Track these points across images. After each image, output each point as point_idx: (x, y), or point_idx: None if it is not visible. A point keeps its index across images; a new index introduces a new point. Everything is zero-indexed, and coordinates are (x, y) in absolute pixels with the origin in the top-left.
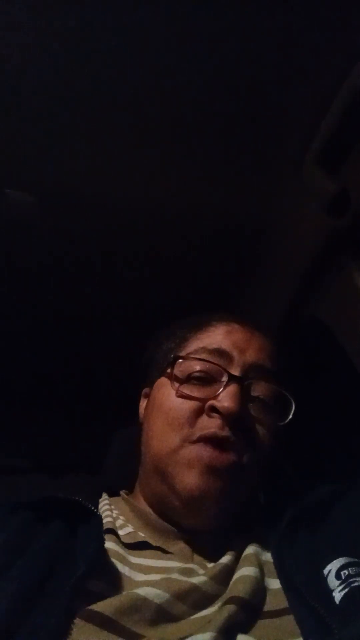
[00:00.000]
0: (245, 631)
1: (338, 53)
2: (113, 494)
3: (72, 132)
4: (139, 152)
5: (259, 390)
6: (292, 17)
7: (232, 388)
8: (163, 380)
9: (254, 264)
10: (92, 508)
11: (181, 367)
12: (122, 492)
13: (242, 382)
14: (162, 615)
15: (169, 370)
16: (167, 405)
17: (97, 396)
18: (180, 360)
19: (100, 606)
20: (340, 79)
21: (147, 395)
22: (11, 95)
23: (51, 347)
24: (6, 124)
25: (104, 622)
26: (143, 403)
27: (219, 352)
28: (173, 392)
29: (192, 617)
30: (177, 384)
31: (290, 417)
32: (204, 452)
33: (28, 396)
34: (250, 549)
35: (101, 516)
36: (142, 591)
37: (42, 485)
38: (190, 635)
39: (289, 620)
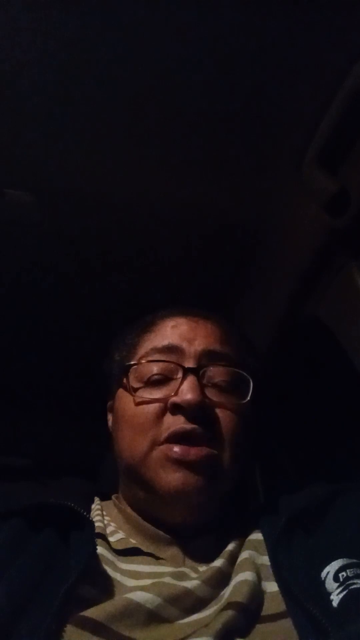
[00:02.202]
0: (243, 635)
1: (338, 53)
2: (105, 497)
3: (72, 132)
4: (138, 152)
5: (215, 375)
6: (292, 17)
7: (189, 380)
8: (121, 391)
9: (254, 264)
10: (85, 513)
11: (135, 374)
12: (113, 497)
13: (197, 372)
14: (154, 619)
15: (124, 380)
16: (130, 413)
17: (98, 396)
18: (134, 367)
19: (92, 612)
20: (340, 79)
21: (112, 409)
22: (11, 95)
23: (51, 347)
24: (6, 124)
25: (96, 628)
26: (110, 417)
27: (169, 348)
28: (132, 400)
29: (185, 620)
30: (134, 392)
31: (250, 394)
32: (171, 451)
33: (28, 396)
34: (246, 553)
35: (93, 522)
36: (134, 596)
37: (36, 489)
38: (186, 637)
39: (287, 624)
